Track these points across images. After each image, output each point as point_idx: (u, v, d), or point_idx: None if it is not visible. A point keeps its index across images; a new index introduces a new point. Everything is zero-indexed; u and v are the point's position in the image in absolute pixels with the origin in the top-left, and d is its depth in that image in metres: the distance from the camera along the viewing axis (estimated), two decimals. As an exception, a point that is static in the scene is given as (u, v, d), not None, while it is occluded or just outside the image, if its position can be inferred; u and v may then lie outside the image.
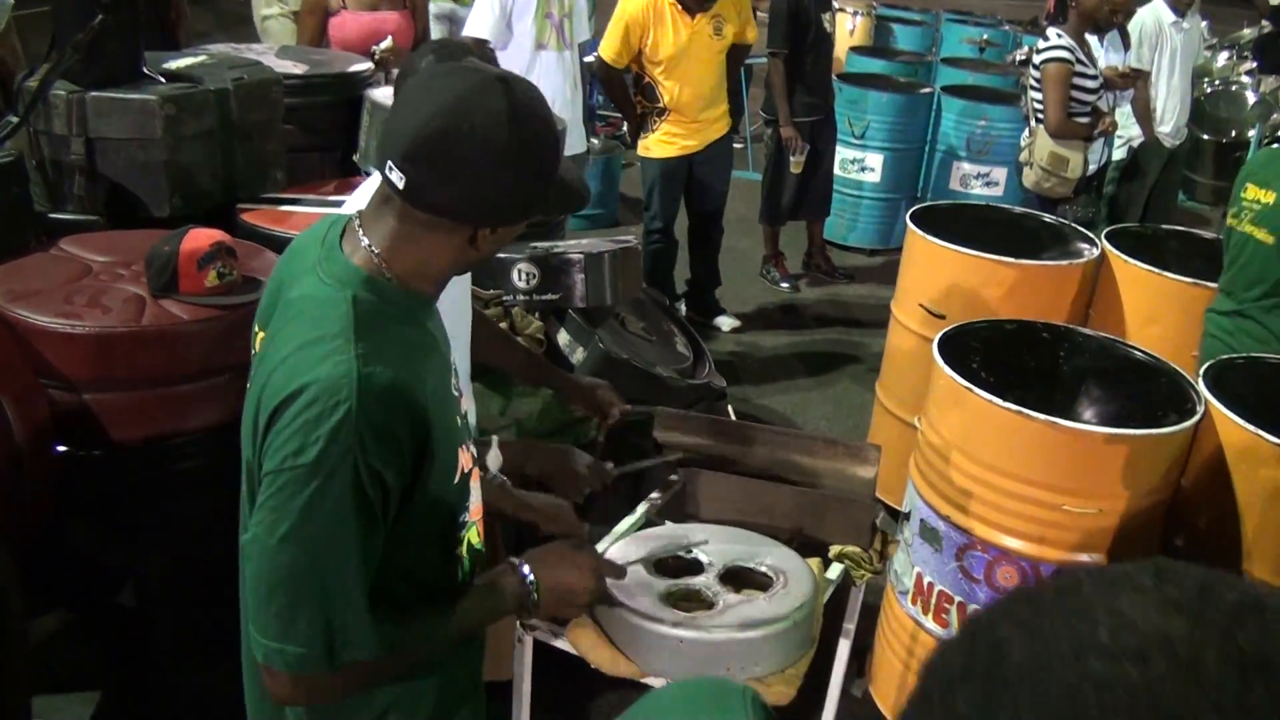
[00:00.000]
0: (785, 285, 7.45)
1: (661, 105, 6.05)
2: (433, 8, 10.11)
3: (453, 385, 1.83)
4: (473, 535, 1.90)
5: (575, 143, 5.59)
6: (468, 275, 2.86)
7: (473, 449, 1.90)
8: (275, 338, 1.69)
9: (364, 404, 1.54)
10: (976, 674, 0.63)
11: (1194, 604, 0.61)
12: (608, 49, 6.14)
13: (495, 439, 2.49)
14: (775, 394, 6.02)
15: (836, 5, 7.33)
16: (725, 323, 6.78)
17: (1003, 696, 0.61)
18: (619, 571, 2.12)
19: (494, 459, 2.44)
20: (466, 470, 1.82)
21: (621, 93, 6.35)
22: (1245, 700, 0.56)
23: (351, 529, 1.57)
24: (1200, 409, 3.19)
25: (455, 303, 2.73)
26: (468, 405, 2.90)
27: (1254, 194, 3.70)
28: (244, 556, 1.70)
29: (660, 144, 6.19)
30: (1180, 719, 0.56)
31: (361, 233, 1.69)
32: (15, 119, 3.59)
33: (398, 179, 1.60)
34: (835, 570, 2.51)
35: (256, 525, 1.59)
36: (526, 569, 1.89)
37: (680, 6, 5.89)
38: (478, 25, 5.35)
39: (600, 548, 2.44)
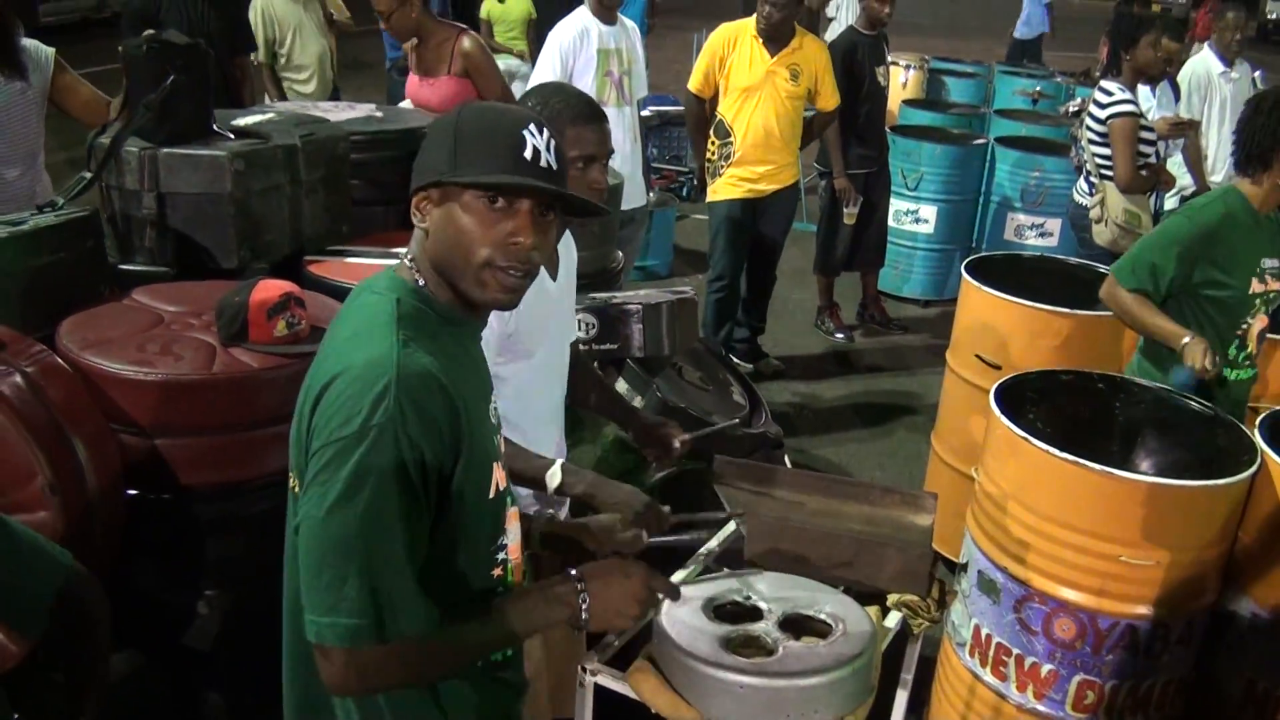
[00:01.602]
0: (840, 336, 7.48)
1: (731, 141, 6.13)
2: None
3: (490, 413, 1.91)
4: (510, 572, 1.95)
5: (634, 196, 5.68)
6: (570, 283, 2.91)
7: (508, 482, 1.96)
8: (325, 343, 1.84)
9: (403, 378, 1.65)
10: None
11: None
12: (693, 79, 6.39)
13: (559, 460, 2.54)
14: (830, 443, 6.03)
15: (890, 58, 7.38)
16: (768, 367, 6.81)
17: None
18: (672, 589, 2.14)
19: (554, 476, 2.49)
20: (501, 489, 1.89)
21: (700, 124, 6.47)
22: None
23: (396, 499, 1.64)
24: (1257, 460, 3.19)
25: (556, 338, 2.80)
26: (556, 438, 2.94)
27: None
28: (291, 549, 1.80)
29: (726, 186, 6.29)
30: None
31: (405, 256, 1.85)
32: (89, 175, 3.70)
33: None
34: (893, 619, 2.52)
35: (306, 503, 1.67)
36: (578, 579, 1.92)
37: (761, 41, 6.05)
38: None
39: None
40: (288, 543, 1.87)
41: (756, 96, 6.10)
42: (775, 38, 6.04)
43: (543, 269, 2.44)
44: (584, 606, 1.89)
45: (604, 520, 2.42)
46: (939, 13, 16.23)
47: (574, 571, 1.94)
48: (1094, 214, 5.78)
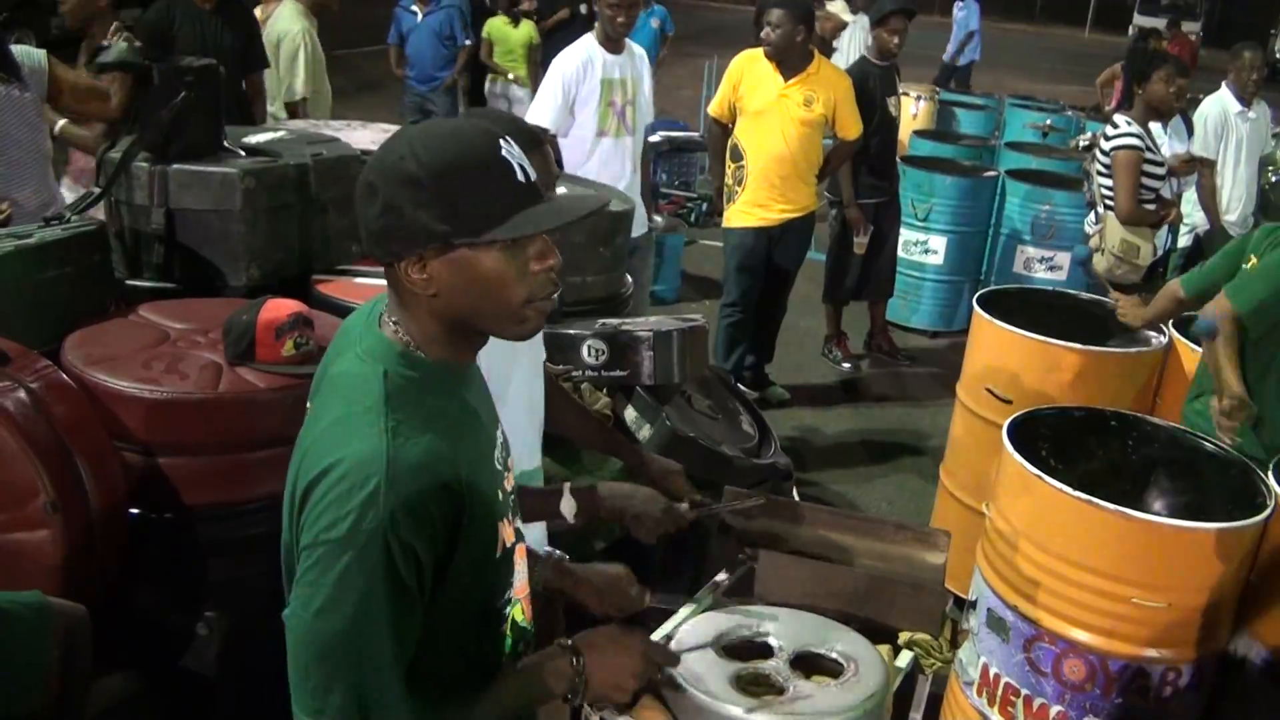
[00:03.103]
0: (847, 365, 7.45)
1: (744, 165, 6.13)
2: (491, 87, 10.32)
3: (496, 459, 1.82)
4: (517, 613, 1.89)
5: (637, 225, 5.66)
6: (538, 346, 2.85)
7: (517, 524, 1.89)
8: (314, 414, 1.73)
9: (394, 478, 1.54)
10: None
11: None
12: (714, 103, 6.47)
13: (567, 485, 2.49)
14: (837, 475, 5.99)
15: (900, 89, 7.39)
16: (775, 395, 6.78)
17: None
18: (671, 657, 2.10)
19: (568, 506, 2.44)
20: (509, 545, 1.81)
21: (719, 148, 6.51)
22: None
23: (384, 604, 1.57)
24: (1271, 503, 3.15)
25: (526, 372, 2.75)
26: (534, 466, 2.89)
27: None
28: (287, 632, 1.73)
29: (740, 214, 6.29)
30: None
31: (386, 313, 1.73)
32: (97, 189, 3.68)
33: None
34: (905, 658, 2.48)
35: (294, 600, 1.61)
36: (574, 652, 1.87)
37: (775, 64, 6.07)
38: (540, 112, 5.45)
39: (668, 627, 2.43)
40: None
41: (767, 120, 6.10)
42: (785, 60, 6.04)
43: None
44: (580, 682, 1.85)
45: (609, 574, 2.34)
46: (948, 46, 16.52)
47: (570, 643, 1.89)
48: (1093, 243, 5.84)
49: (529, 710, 1.92)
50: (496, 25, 10.08)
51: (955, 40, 14.75)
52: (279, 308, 3.12)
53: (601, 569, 2.37)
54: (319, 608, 1.56)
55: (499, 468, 1.82)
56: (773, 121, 6.10)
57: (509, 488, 1.87)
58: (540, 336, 2.90)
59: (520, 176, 1.63)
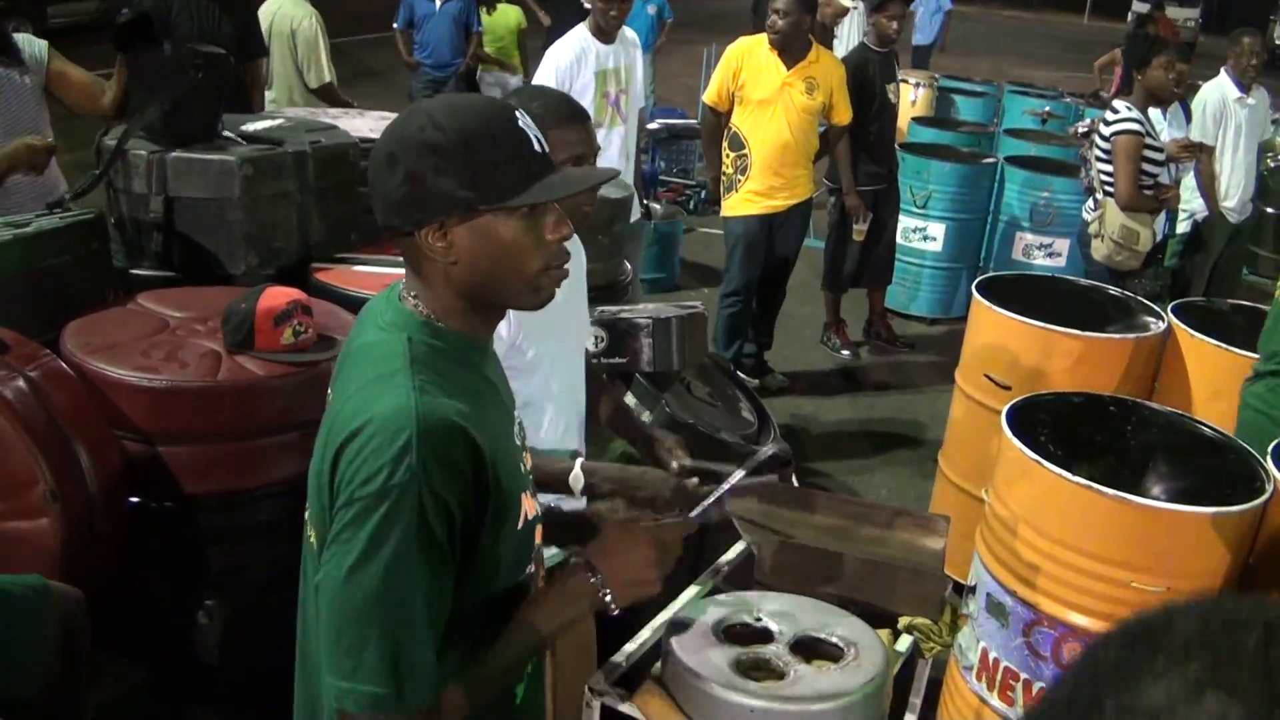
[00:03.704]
0: (846, 353, 7.45)
1: (746, 154, 6.12)
2: (483, 76, 10.28)
3: (515, 435, 1.85)
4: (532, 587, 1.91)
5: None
6: (582, 321, 2.84)
7: (536, 501, 1.90)
8: (340, 385, 1.76)
9: (425, 430, 1.57)
10: None
11: None
12: (709, 91, 6.43)
13: (579, 460, 2.49)
14: (836, 461, 6.00)
15: (900, 76, 7.38)
16: (774, 382, 6.78)
17: None
18: (682, 524, 2.08)
19: (576, 479, 2.45)
20: (530, 518, 1.83)
21: (714, 136, 6.47)
22: None
23: (418, 560, 1.58)
24: (1270, 487, 3.15)
25: (569, 350, 2.75)
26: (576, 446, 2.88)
27: None
28: (308, 602, 1.75)
29: (743, 203, 6.27)
30: None
31: (405, 289, 1.76)
32: (96, 173, 3.68)
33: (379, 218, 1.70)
34: (905, 643, 2.48)
35: (327, 562, 1.61)
36: (588, 567, 1.86)
37: (777, 53, 6.05)
38: None
39: (669, 612, 2.44)
40: (302, 590, 1.83)
41: (771, 109, 6.09)
42: (789, 49, 6.03)
43: None
44: (605, 592, 1.84)
45: (653, 476, 2.39)
46: (950, 32, 16.42)
47: (580, 560, 1.89)
48: (1092, 229, 5.81)
49: (558, 635, 1.88)
50: (480, 13, 10.07)
51: (927, 21, 14.66)
52: (278, 295, 3.12)
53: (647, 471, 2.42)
54: (352, 564, 1.57)
55: (518, 443, 1.85)
56: (777, 110, 6.09)
57: (528, 465, 1.89)
58: (585, 313, 2.92)
59: (536, 147, 1.68)
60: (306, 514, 1.80)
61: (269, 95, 6.72)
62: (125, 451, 2.98)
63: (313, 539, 1.76)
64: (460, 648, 1.70)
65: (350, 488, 1.58)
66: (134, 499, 3.02)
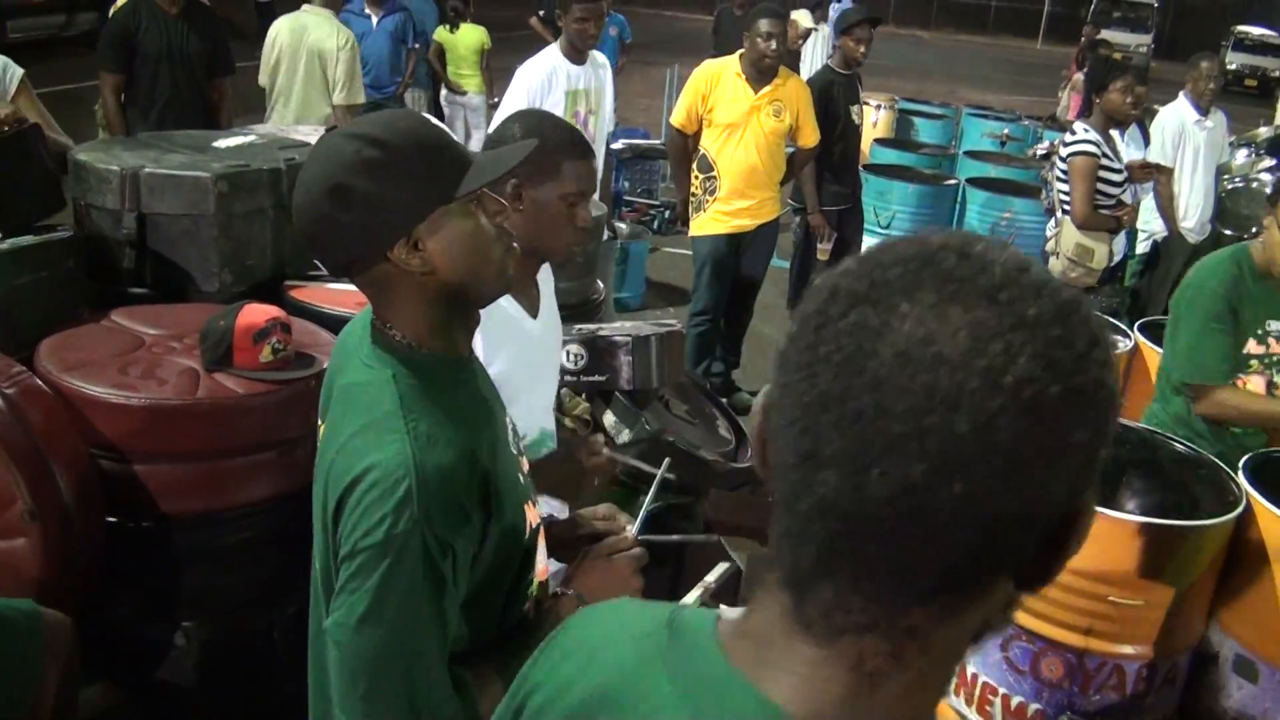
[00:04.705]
0: (811, 372, 7.46)
1: (715, 176, 6.14)
2: (446, 95, 10.19)
3: (511, 444, 1.85)
4: (537, 591, 1.91)
5: None
6: (552, 319, 2.81)
7: (538, 505, 1.91)
8: (332, 427, 1.73)
9: (423, 478, 1.56)
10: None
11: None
12: (676, 114, 6.39)
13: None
14: (804, 480, 5.99)
15: (862, 98, 7.44)
16: (742, 401, 6.79)
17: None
18: (641, 545, 2.10)
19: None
20: (534, 526, 1.83)
21: (682, 158, 6.46)
22: None
23: (428, 603, 1.58)
24: (1243, 501, 3.20)
25: (547, 341, 2.72)
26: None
27: None
28: (319, 643, 1.74)
29: (711, 222, 6.27)
30: None
31: (377, 319, 1.74)
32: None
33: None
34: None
35: (336, 610, 1.61)
36: (578, 597, 1.90)
37: (746, 78, 6.06)
38: None
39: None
40: (312, 626, 1.83)
41: (740, 132, 6.10)
42: (766, 72, 6.05)
43: (521, 307, 2.41)
44: None
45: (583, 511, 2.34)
46: (904, 56, 16.57)
47: (564, 590, 1.93)
48: (1049, 246, 5.92)
49: None
50: (442, 33, 9.98)
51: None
52: (257, 313, 3.10)
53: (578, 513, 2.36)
54: (362, 613, 1.57)
55: (514, 452, 1.85)
56: (745, 133, 6.10)
57: (525, 470, 1.89)
58: (557, 361, 2.87)
59: (453, 138, 1.75)
60: (314, 549, 1.79)
61: (286, 112, 6.63)
62: (102, 470, 2.94)
63: (318, 568, 1.77)
64: (472, 665, 1.70)
65: (354, 538, 1.58)
66: (111, 518, 2.98)
